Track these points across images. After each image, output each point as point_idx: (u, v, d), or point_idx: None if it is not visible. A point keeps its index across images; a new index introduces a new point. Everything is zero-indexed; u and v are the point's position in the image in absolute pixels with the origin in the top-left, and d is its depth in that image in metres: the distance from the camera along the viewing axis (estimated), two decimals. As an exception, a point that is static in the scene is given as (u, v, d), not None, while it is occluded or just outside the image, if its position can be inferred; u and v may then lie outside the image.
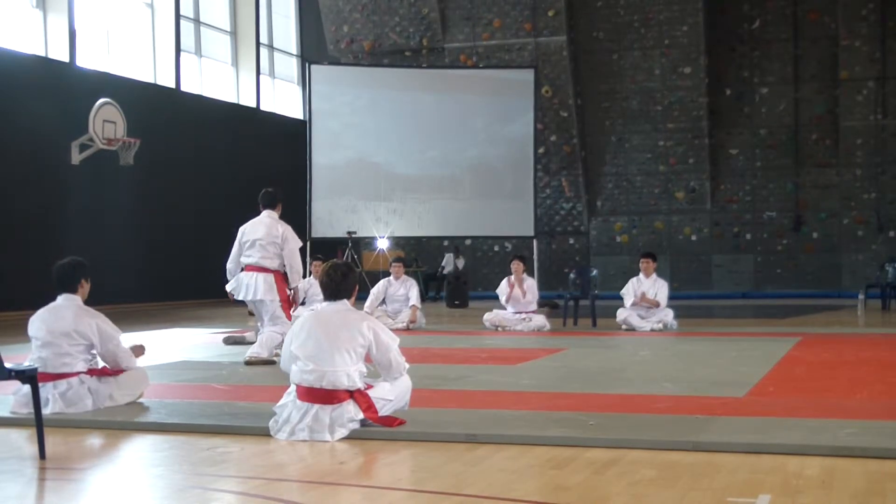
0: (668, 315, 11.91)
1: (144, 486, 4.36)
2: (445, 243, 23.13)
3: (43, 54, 17.16)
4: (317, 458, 4.74)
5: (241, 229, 9.11)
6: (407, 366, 5.50)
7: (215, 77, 21.72)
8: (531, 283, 12.67)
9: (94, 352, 6.11)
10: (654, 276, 12.19)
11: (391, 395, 5.36)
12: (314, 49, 24.31)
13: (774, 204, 22.63)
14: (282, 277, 8.95)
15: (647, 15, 22.51)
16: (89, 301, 6.21)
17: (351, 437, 5.11)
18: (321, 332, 5.26)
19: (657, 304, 11.91)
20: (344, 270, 5.45)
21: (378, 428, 5.16)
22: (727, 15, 22.57)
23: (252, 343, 9.30)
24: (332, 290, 5.42)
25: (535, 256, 19.67)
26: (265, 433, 5.21)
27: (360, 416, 5.18)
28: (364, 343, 5.28)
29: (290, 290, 8.99)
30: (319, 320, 5.34)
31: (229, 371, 8.11)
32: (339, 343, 5.22)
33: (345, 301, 5.44)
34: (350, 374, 5.21)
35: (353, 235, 19.34)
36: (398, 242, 22.74)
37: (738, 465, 4.34)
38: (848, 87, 21.98)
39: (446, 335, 11.73)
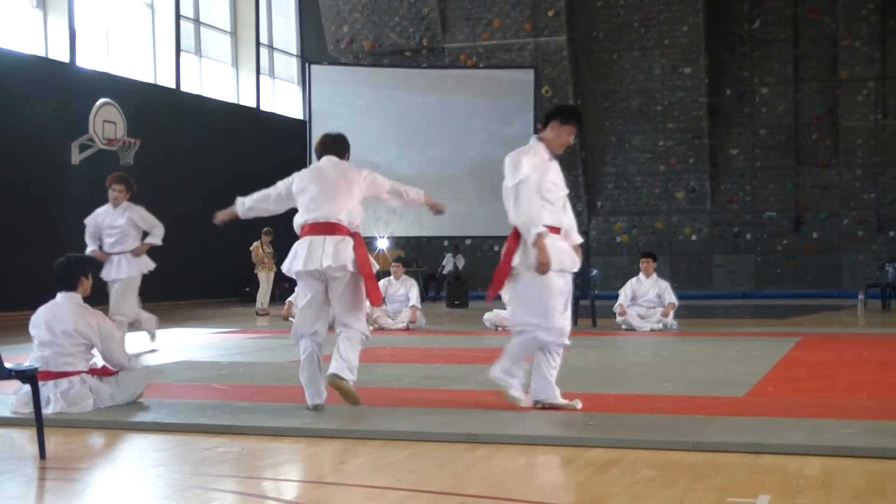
0: (668, 315, 11.90)
1: (144, 486, 4.36)
2: (445, 243, 23.12)
3: (43, 54, 17.15)
4: (317, 458, 4.74)
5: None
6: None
7: (215, 77, 21.72)
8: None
9: (95, 351, 6.11)
10: (654, 276, 12.19)
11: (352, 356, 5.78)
12: (314, 49, 24.30)
13: (774, 204, 22.63)
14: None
15: (647, 15, 22.50)
16: (92, 300, 6.20)
17: (351, 437, 5.11)
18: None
19: (673, 306, 11.90)
20: None
21: (378, 428, 5.16)
22: (727, 15, 22.56)
23: None
24: None
25: (534, 256, 19.67)
26: (265, 433, 5.22)
27: (351, 242, 5.84)
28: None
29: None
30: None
31: (229, 371, 8.11)
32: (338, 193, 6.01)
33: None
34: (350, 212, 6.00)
35: (353, 235, 19.28)
36: (398, 242, 22.73)
37: (738, 465, 4.34)
38: (848, 87, 21.97)
39: (446, 335, 11.73)
